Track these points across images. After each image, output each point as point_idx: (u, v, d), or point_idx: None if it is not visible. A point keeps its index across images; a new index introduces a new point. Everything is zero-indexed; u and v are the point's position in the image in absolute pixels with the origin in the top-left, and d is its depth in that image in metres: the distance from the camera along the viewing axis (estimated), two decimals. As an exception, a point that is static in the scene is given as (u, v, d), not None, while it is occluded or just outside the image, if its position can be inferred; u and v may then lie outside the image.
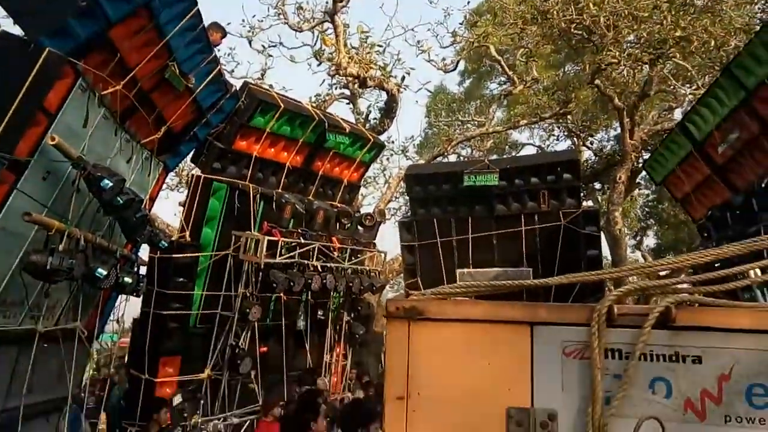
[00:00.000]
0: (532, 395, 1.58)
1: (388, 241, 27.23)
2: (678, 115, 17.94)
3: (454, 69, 16.61)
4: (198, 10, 5.61)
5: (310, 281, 8.54)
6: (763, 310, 1.71)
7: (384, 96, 14.42)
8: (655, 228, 25.06)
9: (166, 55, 5.58)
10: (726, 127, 6.99)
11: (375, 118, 14.77)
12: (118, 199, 4.96)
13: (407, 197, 15.93)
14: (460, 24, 17.69)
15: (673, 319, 1.63)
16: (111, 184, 4.75)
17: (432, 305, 1.63)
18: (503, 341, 1.62)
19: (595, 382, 1.58)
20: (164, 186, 7.92)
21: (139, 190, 5.92)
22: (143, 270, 6.71)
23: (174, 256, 7.08)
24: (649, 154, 13.40)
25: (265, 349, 8.72)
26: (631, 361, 1.60)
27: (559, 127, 20.11)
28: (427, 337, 1.59)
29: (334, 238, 9.44)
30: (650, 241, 26.04)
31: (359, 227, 10.02)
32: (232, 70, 15.23)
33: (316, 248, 8.91)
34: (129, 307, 7.30)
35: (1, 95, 4.04)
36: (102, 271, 5.12)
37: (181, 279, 7.26)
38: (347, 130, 9.25)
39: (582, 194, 11.11)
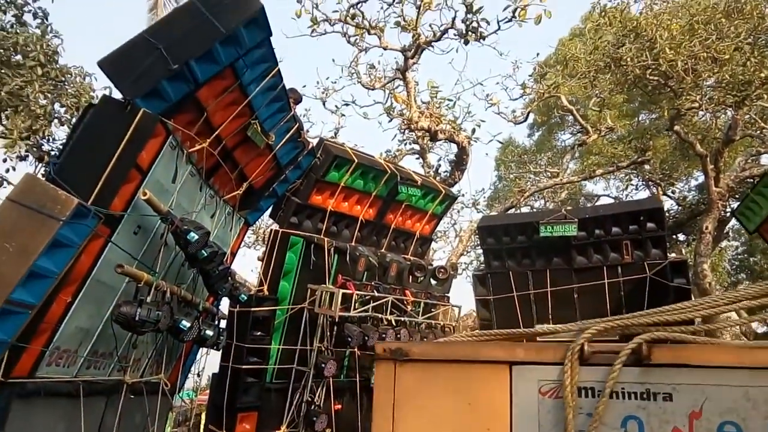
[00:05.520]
0: None
1: (459, 297, 26.70)
2: (766, 160, 16.94)
3: (525, 120, 16.46)
4: (279, 70, 5.83)
5: (384, 335, 8.38)
6: (731, 346, 1.74)
7: (454, 149, 14.43)
8: (747, 282, 23.42)
9: (249, 113, 5.81)
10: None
11: (446, 171, 14.77)
12: (203, 251, 5.08)
13: (480, 251, 15.65)
14: (530, 76, 17.66)
15: (646, 357, 1.62)
16: (197, 236, 4.89)
17: (415, 347, 1.76)
18: (483, 380, 1.67)
19: (567, 420, 1.59)
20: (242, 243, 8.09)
21: (221, 244, 6.06)
22: (223, 324, 6.79)
23: (253, 309, 7.15)
24: (738, 202, 12.58)
25: (339, 406, 8.53)
26: (602, 399, 1.60)
27: (637, 177, 19.37)
28: (411, 377, 1.68)
29: (407, 292, 9.28)
30: (742, 296, 24.27)
31: (432, 280, 9.83)
32: (307, 130, 15.74)
33: (390, 302, 8.78)
34: (208, 364, 7.41)
35: (101, 154, 4.28)
36: (185, 324, 5.20)
37: (259, 333, 7.30)
38: (419, 183, 9.24)
39: (666, 246, 10.49)
